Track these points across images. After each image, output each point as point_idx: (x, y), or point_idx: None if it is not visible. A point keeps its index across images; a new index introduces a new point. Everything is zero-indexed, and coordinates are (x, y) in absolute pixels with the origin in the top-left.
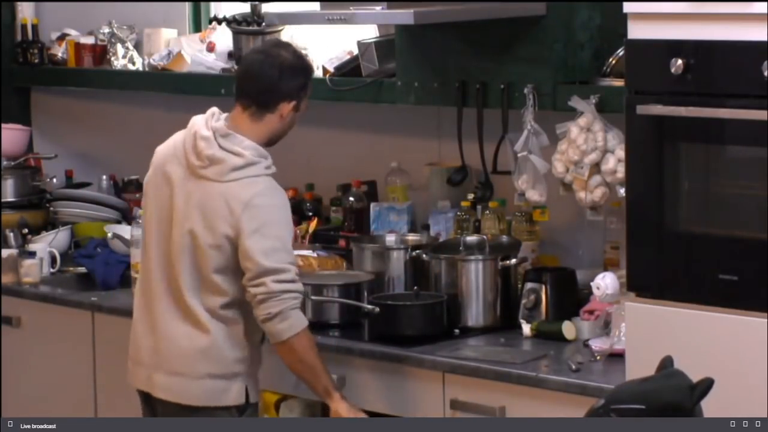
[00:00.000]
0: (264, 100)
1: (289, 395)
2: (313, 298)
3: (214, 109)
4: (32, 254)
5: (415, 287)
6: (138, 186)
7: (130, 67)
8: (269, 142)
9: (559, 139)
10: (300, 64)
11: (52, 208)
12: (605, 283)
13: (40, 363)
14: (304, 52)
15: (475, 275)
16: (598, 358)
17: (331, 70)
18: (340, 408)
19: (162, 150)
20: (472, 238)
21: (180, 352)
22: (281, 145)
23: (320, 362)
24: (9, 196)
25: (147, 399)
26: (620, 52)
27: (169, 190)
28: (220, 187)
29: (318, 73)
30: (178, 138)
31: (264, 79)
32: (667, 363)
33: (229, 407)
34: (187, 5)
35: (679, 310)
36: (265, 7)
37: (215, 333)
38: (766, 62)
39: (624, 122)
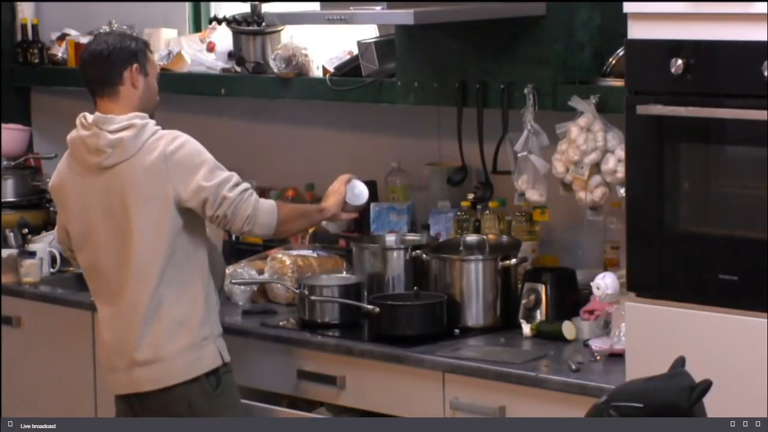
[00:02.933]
0: (108, 77)
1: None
2: (313, 298)
3: (80, 116)
4: (32, 254)
5: (415, 287)
6: None
7: None
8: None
9: (559, 139)
10: (122, 35)
11: (52, 208)
12: (605, 283)
13: (40, 363)
14: (304, 52)
15: (475, 275)
16: (598, 358)
17: (331, 70)
18: (333, 200)
19: (57, 183)
20: (472, 238)
21: (145, 338)
22: (282, 145)
23: (301, 210)
24: (9, 196)
25: (128, 402)
26: (620, 52)
27: (85, 200)
28: (135, 161)
29: (318, 73)
30: (62, 165)
31: (97, 59)
32: (678, 363)
33: (202, 376)
34: (187, 5)
35: (679, 310)
36: (265, 7)
37: (169, 308)
38: (766, 62)
39: (624, 122)
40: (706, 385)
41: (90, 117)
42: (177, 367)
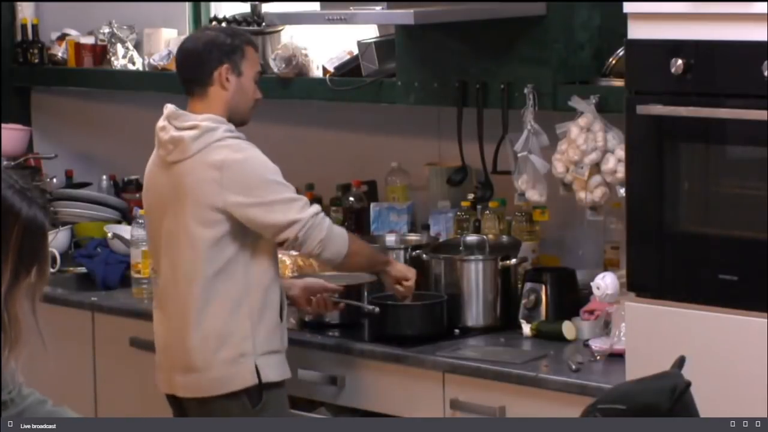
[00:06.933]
0: (197, 74)
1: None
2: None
3: (165, 106)
4: None
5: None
6: (138, 186)
7: (130, 67)
8: (233, 119)
9: (559, 139)
10: (223, 31)
11: (52, 208)
12: (605, 283)
13: (40, 363)
14: (304, 52)
15: (475, 275)
16: (598, 358)
17: (331, 70)
18: (398, 269)
19: (148, 166)
20: (472, 238)
21: (186, 346)
22: (282, 145)
23: (369, 249)
24: None
25: (175, 401)
26: (620, 52)
27: (156, 193)
28: (191, 163)
29: (318, 73)
30: (155, 151)
31: (190, 55)
32: (678, 363)
33: (241, 392)
34: (187, 5)
35: (679, 310)
36: (265, 7)
37: (213, 318)
38: (766, 62)
39: (624, 122)
40: (684, 387)
41: (169, 108)
42: (210, 381)
